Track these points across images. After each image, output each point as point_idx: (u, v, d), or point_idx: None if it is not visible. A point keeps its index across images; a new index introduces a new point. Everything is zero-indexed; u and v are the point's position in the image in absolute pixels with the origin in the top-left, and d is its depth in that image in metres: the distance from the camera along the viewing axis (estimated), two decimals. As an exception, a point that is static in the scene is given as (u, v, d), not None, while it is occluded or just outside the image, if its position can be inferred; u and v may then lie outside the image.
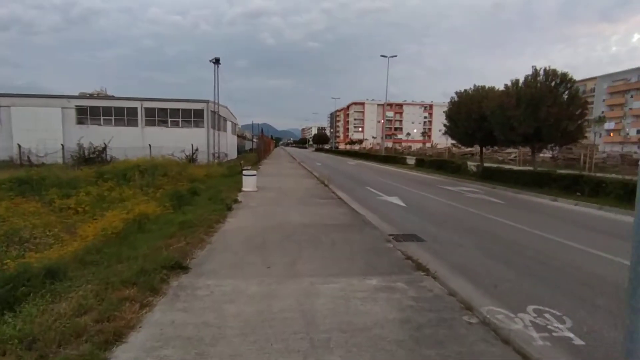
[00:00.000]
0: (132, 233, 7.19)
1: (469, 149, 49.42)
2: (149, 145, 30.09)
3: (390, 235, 7.62)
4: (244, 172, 13.49)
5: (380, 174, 23.76)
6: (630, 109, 71.09)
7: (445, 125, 19.60)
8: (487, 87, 17.31)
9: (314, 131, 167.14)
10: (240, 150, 60.44)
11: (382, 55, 37.44)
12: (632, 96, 71.43)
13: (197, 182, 14.24)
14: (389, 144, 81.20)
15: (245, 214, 9.08)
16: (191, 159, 27.70)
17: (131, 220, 7.69)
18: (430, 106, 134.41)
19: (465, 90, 17.94)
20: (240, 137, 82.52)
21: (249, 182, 13.31)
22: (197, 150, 28.25)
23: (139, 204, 9.39)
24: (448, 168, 22.36)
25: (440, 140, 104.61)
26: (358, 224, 8.23)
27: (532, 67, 13.94)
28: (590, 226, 9.14)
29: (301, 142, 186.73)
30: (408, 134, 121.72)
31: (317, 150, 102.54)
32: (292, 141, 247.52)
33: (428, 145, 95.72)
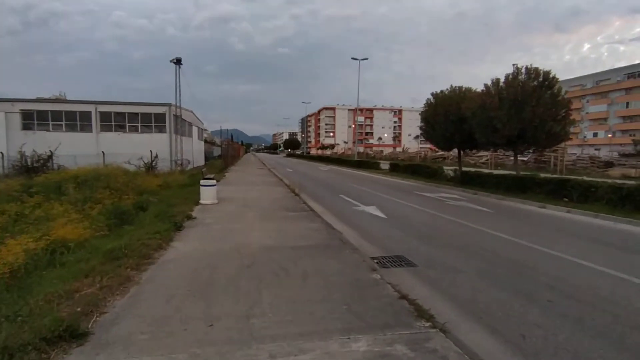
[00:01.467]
0: (38, 269, 5.42)
1: (440, 152, 49.60)
2: (102, 152, 27.60)
3: (374, 258, 6.26)
4: (202, 182, 11.79)
5: (354, 180, 22.56)
6: (587, 113, 74.52)
7: (421, 128, 18.69)
8: (464, 88, 16.53)
9: (286, 136, 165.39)
10: (209, 157, 57.82)
11: (353, 58, 36.62)
12: (587, 101, 74.95)
13: (148, 194, 12.36)
14: (361, 149, 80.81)
15: (197, 235, 7.45)
16: (150, 167, 25.35)
17: (41, 249, 5.90)
18: (400, 111, 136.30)
19: (441, 91, 17.09)
20: (209, 143, 79.53)
21: (208, 193, 11.62)
22: (156, 157, 25.94)
23: (64, 224, 7.54)
24: (424, 173, 21.50)
25: (411, 144, 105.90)
26: (335, 245, 6.82)
27: (513, 65, 13.21)
28: (596, 239, 8.18)
29: (272, 148, 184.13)
30: (380, 138, 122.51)
31: (288, 155, 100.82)
32: (263, 147, 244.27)
33: (399, 149, 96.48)
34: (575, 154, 30.72)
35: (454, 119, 15.78)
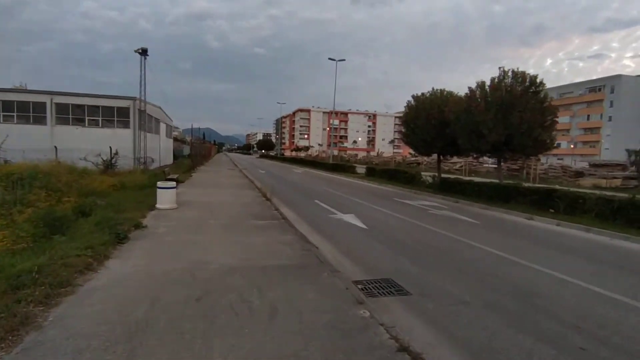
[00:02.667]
0: None
1: (415, 157, 49.60)
2: (55, 147, 25.20)
3: (357, 283, 5.18)
4: (160, 184, 10.34)
5: (330, 184, 21.54)
6: (553, 123, 77.22)
7: (401, 132, 17.91)
8: (446, 91, 15.89)
9: (260, 137, 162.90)
10: (178, 156, 55.20)
11: (330, 59, 35.69)
12: (554, 112, 77.74)
13: (95, 197, 10.73)
14: (335, 152, 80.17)
15: (143, 250, 6.10)
16: (109, 165, 23.26)
17: None
18: (374, 115, 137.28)
19: (423, 94, 16.38)
20: (179, 141, 76.28)
21: (166, 196, 10.19)
22: (116, 154, 23.86)
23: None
24: (401, 178, 20.78)
25: (384, 148, 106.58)
26: (311, 264, 5.69)
27: (500, 68, 12.64)
28: (601, 259, 7.44)
29: (245, 148, 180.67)
30: (355, 141, 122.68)
31: (261, 156, 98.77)
32: (236, 147, 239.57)
33: (372, 153, 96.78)
34: (543, 163, 31.14)
35: (435, 123, 15.07)
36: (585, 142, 73.59)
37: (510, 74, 12.46)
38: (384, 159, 56.29)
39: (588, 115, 74.05)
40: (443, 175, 18.81)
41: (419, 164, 42.84)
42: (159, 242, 6.64)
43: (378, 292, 4.93)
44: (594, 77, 75.40)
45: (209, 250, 6.23)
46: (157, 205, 10.09)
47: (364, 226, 9.35)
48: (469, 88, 13.53)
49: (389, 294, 4.91)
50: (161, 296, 4.21)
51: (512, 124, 11.70)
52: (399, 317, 4.14)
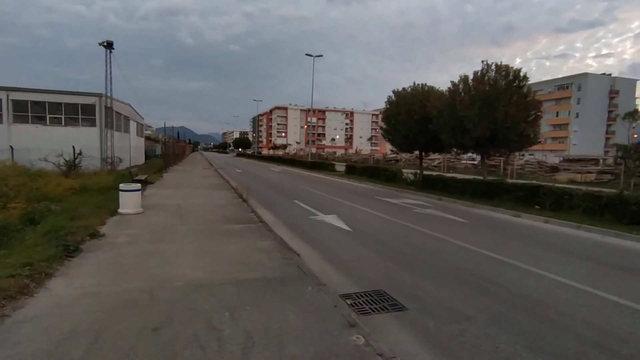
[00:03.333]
0: None
1: (393, 155, 49.60)
2: (10, 147, 23.36)
3: (346, 297, 4.55)
4: (123, 186, 9.34)
5: (309, 182, 20.86)
6: (525, 120, 79.33)
7: (381, 129, 17.43)
8: (427, 86, 15.49)
9: (236, 135, 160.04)
10: (150, 155, 53.02)
11: (307, 54, 34.90)
12: (525, 109, 79.85)
13: (49, 202, 9.62)
14: (313, 150, 79.57)
15: (95, 266, 5.23)
16: (72, 166, 21.69)
17: None
18: (352, 113, 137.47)
19: (404, 89, 15.94)
20: (153, 140, 73.48)
21: (130, 200, 9.22)
22: (80, 153, 22.28)
23: None
24: (382, 176, 20.35)
25: (362, 146, 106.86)
26: (292, 276, 5.00)
27: (483, 61, 12.31)
28: (598, 259, 7.13)
29: (222, 147, 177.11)
30: (333, 139, 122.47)
31: (238, 155, 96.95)
32: (212, 145, 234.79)
33: (350, 151, 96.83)
34: (521, 158, 31.58)
35: (417, 119, 14.65)
36: (554, 138, 76.02)
37: (493, 67, 12.15)
38: (362, 157, 56.14)
39: (557, 112, 76.49)
40: (424, 172, 18.50)
41: (398, 161, 42.82)
42: (116, 255, 5.77)
43: (370, 308, 4.30)
44: (560, 76, 77.88)
45: (174, 262, 5.43)
46: (120, 210, 9.11)
47: (347, 228, 8.73)
48: (452, 82, 13.16)
49: (382, 309, 4.29)
50: (109, 327, 3.42)
51: (497, 119, 11.39)
52: (399, 342, 3.52)
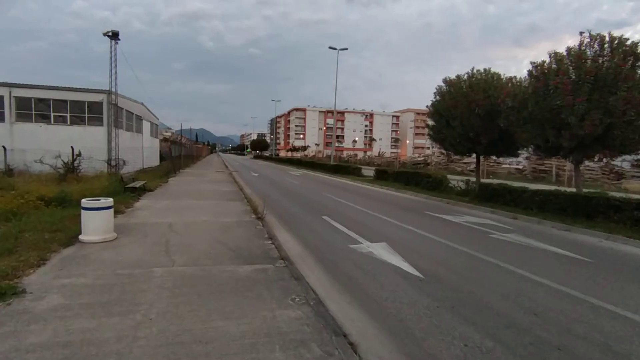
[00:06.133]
0: None
1: (422, 157, 46.04)
2: (3, 147, 21.36)
3: None
4: (86, 202, 6.56)
5: (336, 190, 17.86)
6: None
7: (428, 127, 14.26)
8: (493, 72, 12.22)
9: (254, 137, 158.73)
10: (166, 157, 51.13)
11: (330, 47, 31.94)
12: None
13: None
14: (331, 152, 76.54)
15: None
16: (71, 168, 19.38)
17: None
18: (371, 115, 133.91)
19: (458, 77, 12.77)
20: (171, 142, 72.13)
21: (96, 222, 6.44)
22: (79, 155, 19.97)
23: None
24: (422, 183, 17.13)
25: (383, 148, 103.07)
26: None
27: (582, 33, 8.99)
28: None
29: (239, 149, 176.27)
30: (355, 141, 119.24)
31: (255, 157, 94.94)
32: (230, 147, 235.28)
33: (369, 153, 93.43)
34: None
35: (481, 113, 11.45)
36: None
37: (607, 38, 8.70)
38: (386, 159, 52.75)
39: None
40: (469, 178, 15.21)
41: (427, 164, 39.30)
42: (13, 348, 2.92)
43: None
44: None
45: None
46: (82, 237, 6.35)
47: (414, 272, 5.67)
48: (533, 64, 9.89)
49: None
50: None
51: (614, 109, 8.13)
52: None
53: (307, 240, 7.64)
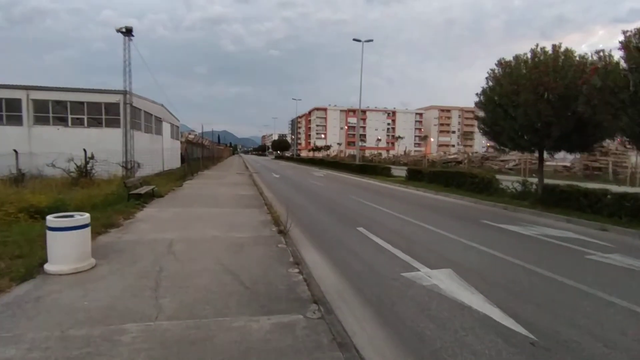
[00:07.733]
0: None
1: (452, 156, 43.31)
2: (15, 151, 20.57)
3: None
4: (51, 219, 4.94)
5: (366, 193, 15.94)
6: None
7: (478, 119, 12.11)
8: (566, 48, 9.95)
9: (275, 138, 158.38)
10: (188, 159, 50.56)
11: (354, 39, 29.98)
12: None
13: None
14: (353, 151, 74.39)
15: None
16: (83, 172, 18.33)
17: None
18: (394, 112, 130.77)
19: (517, 57, 10.53)
20: (187, 142, 72.13)
21: (66, 246, 4.82)
22: (92, 157, 18.90)
23: None
24: (466, 184, 14.96)
25: (404, 147, 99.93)
26: None
27: None
28: None
29: (261, 150, 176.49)
30: (379, 139, 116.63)
31: (277, 157, 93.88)
32: (251, 149, 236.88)
33: (393, 152, 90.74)
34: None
35: (552, 99, 9.27)
36: None
37: None
38: (412, 158, 50.24)
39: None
40: (513, 178, 12.95)
41: (459, 162, 36.68)
42: None
43: None
44: None
45: None
46: (47, 267, 4.76)
47: (516, 327, 3.73)
48: (625, 33, 7.70)
49: None
50: None
51: None
52: None
53: (344, 264, 5.82)
